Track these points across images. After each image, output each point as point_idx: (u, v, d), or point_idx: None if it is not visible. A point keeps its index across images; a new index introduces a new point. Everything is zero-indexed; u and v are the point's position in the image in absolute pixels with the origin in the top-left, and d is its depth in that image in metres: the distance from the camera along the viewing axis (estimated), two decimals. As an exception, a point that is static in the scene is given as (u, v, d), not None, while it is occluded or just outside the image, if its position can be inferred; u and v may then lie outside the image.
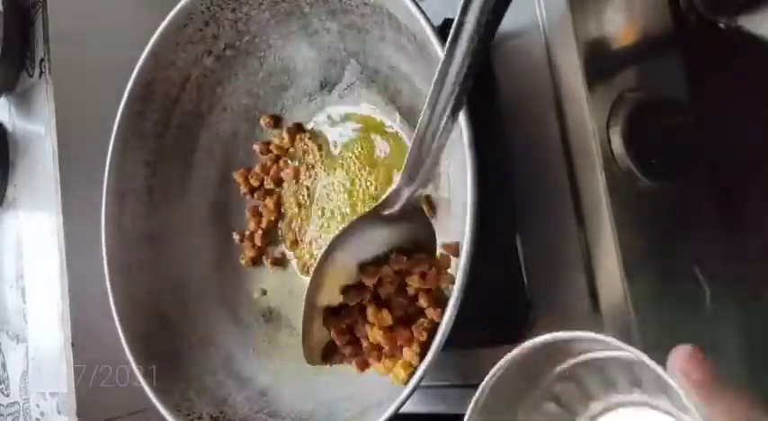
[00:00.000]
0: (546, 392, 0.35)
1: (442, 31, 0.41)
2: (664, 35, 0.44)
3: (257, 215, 0.52)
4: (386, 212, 0.38)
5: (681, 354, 0.26)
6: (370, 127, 0.48)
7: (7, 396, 0.65)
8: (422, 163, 0.36)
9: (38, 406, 0.61)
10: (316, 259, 0.49)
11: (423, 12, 0.36)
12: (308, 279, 0.50)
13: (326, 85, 0.49)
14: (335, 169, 0.49)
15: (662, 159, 0.41)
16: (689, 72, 0.44)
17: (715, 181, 0.43)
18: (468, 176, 0.33)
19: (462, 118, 0.34)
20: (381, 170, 0.47)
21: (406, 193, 0.38)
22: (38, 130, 0.61)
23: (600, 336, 0.29)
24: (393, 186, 0.38)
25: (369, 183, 0.47)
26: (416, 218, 0.39)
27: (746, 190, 0.44)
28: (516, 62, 0.42)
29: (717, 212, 0.43)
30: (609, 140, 0.39)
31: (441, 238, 0.42)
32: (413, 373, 0.35)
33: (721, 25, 0.42)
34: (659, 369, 0.27)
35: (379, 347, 0.39)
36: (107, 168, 0.49)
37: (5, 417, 0.64)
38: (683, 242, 0.41)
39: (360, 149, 0.48)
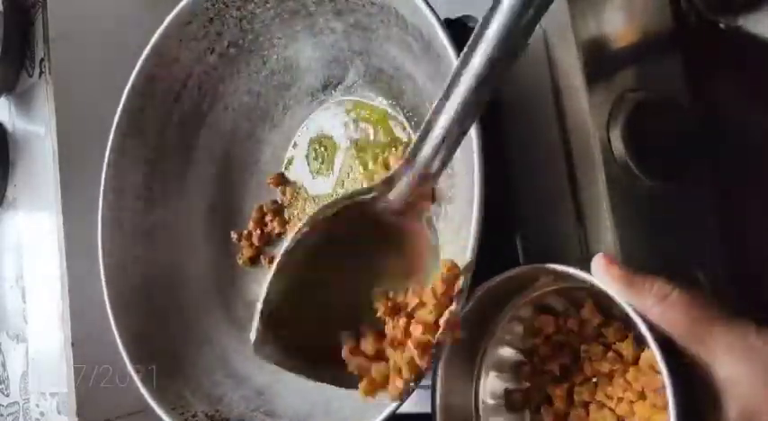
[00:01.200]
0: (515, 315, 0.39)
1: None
2: (664, 35, 0.44)
3: (261, 223, 0.52)
4: (380, 203, 0.34)
5: (602, 259, 0.32)
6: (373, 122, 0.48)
7: (7, 396, 0.65)
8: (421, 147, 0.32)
9: (38, 406, 0.60)
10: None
11: (432, 8, 0.36)
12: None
13: (329, 85, 0.49)
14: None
15: (662, 159, 0.41)
16: (689, 72, 0.44)
17: (715, 181, 0.43)
18: (474, 178, 0.33)
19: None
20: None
21: (404, 181, 0.33)
22: (38, 130, 0.61)
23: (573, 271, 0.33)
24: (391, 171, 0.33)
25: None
26: (414, 224, 0.34)
27: (746, 190, 0.44)
28: (516, 62, 0.42)
29: (717, 212, 0.43)
30: (609, 140, 0.39)
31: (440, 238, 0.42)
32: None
33: (721, 25, 0.42)
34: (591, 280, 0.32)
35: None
36: (105, 164, 0.49)
37: (5, 417, 0.64)
38: (683, 242, 0.41)
39: (360, 157, 0.48)
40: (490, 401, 0.40)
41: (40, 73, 0.61)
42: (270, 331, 0.34)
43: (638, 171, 0.39)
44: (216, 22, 0.47)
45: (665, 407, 0.32)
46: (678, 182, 0.42)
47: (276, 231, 0.52)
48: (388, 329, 0.34)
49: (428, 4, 0.36)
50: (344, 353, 0.34)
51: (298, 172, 0.52)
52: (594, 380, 0.36)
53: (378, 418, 0.35)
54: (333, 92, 0.49)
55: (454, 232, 0.39)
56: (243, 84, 0.51)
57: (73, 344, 0.56)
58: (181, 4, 0.46)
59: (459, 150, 0.36)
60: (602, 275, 0.32)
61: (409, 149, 0.33)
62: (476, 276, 0.34)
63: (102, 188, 0.49)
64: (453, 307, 0.32)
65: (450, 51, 0.34)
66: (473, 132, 0.33)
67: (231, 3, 0.46)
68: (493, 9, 0.30)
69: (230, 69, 0.50)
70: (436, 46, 0.36)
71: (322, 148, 0.50)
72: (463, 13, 0.44)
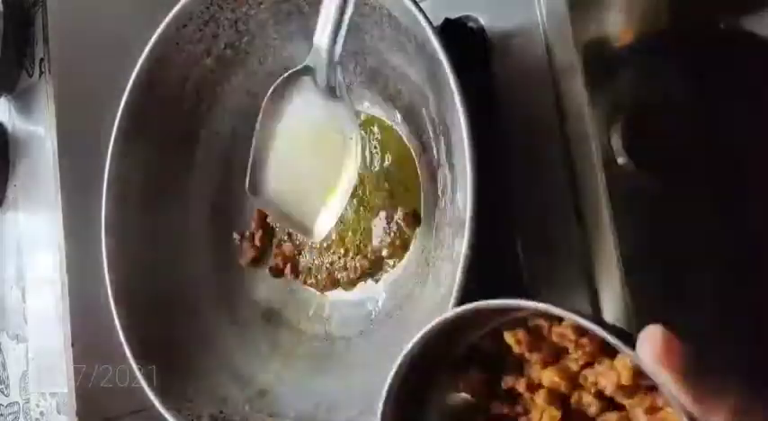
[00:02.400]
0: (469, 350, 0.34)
1: (441, 31, 0.41)
2: (664, 35, 0.44)
3: (263, 223, 0.52)
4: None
5: (654, 341, 0.23)
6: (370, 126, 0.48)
7: (7, 396, 0.65)
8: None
9: (38, 406, 0.60)
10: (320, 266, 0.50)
11: (422, 11, 0.36)
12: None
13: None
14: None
15: (662, 159, 0.41)
16: (689, 72, 0.44)
17: (715, 180, 0.43)
18: (467, 176, 0.33)
19: (462, 120, 0.34)
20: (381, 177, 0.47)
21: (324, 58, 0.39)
22: (38, 130, 0.61)
23: (539, 305, 0.27)
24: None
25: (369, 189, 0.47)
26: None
27: (746, 190, 0.44)
28: (516, 62, 0.42)
29: (717, 212, 0.43)
30: (609, 140, 0.39)
31: (440, 238, 0.42)
32: None
33: (721, 25, 0.42)
34: (621, 346, 0.25)
35: None
36: (107, 168, 0.49)
37: (5, 417, 0.64)
38: (683, 242, 0.41)
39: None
40: None
41: (40, 73, 0.61)
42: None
43: (638, 171, 0.39)
44: (211, 24, 0.47)
45: None
46: (678, 182, 0.42)
47: (278, 232, 0.52)
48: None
49: (418, 6, 0.36)
50: None
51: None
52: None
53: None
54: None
55: (453, 235, 0.39)
56: (240, 85, 0.51)
57: (73, 345, 0.56)
58: (176, 8, 0.46)
59: (457, 152, 0.36)
60: (653, 362, 0.23)
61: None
62: (475, 276, 0.34)
63: (104, 191, 0.49)
64: None
65: (441, 53, 0.34)
66: (465, 135, 0.33)
67: (226, 5, 0.46)
68: None
69: (227, 71, 0.50)
70: (429, 47, 0.36)
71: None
72: (463, 13, 0.44)
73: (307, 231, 0.43)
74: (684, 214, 0.42)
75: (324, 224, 0.42)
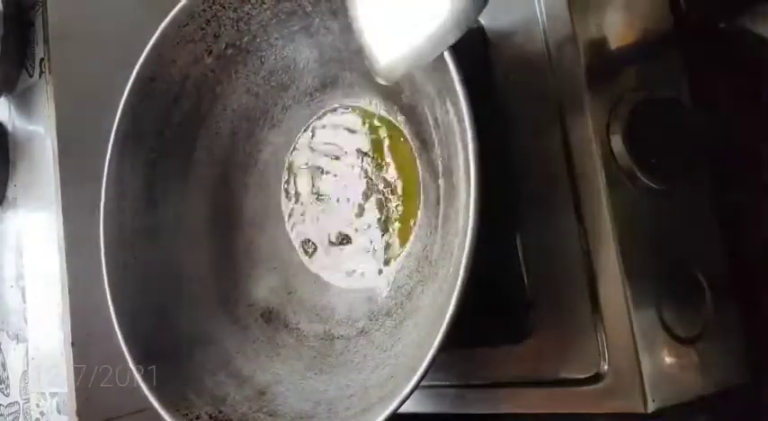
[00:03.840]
0: None
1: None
2: (664, 35, 0.44)
3: None
4: None
5: None
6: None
7: (7, 396, 0.65)
8: None
9: (38, 406, 0.61)
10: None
11: None
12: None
13: (328, 85, 0.49)
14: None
15: (662, 159, 0.41)
16: (689, 72, 0.44)
17: (715, 181, 0.43)
18: (471, 176, 0.33)
19: (467, 120, 0.34)
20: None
21: None
22: (38, 130, 0.61)
23: None
24: None
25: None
26: None
27: (746, 190, 0.44)
28: (516, 62, 0.42)
29: (717, 212, 0.43)
30: (609, 140, 0.39)
31: (441, 237, 0.42)
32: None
33: (721, 25, 0.43)
34: None
35: None
36: (106, 166, 0.49)
37: (5, 417, 0.64)
38: (683, 242, 0.41)
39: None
40: None
41: (40, 73, 0.61)
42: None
43: (638, 171, 0.39)
44: (213, 23, 0.47)
45: None
46: (678, 182, 0.42)
47: None
48: None
49: None
50: None
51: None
52: None
53: (379, 418, 0.35)
54: (332, 92, 0.49)
55: (454, 234, 0.39)
56: (241, 84, 0.51)
57: (73, 344, 0.56)
58: (177, 7, 0.46)
59: (459, 152, 0.36)
60: None
61: None
62: (476, 277, 0.34)
63: (103, 190, 0.49)
64: None
65: (446, 51, 0.34)
66: (469, 136, 0.33)
67: (228, 4, 0.46)
68: None
69: (228, 70, 0.50)
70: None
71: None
72: (463, 13, 0.44)
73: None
74: (684, 214, 0.42)
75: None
